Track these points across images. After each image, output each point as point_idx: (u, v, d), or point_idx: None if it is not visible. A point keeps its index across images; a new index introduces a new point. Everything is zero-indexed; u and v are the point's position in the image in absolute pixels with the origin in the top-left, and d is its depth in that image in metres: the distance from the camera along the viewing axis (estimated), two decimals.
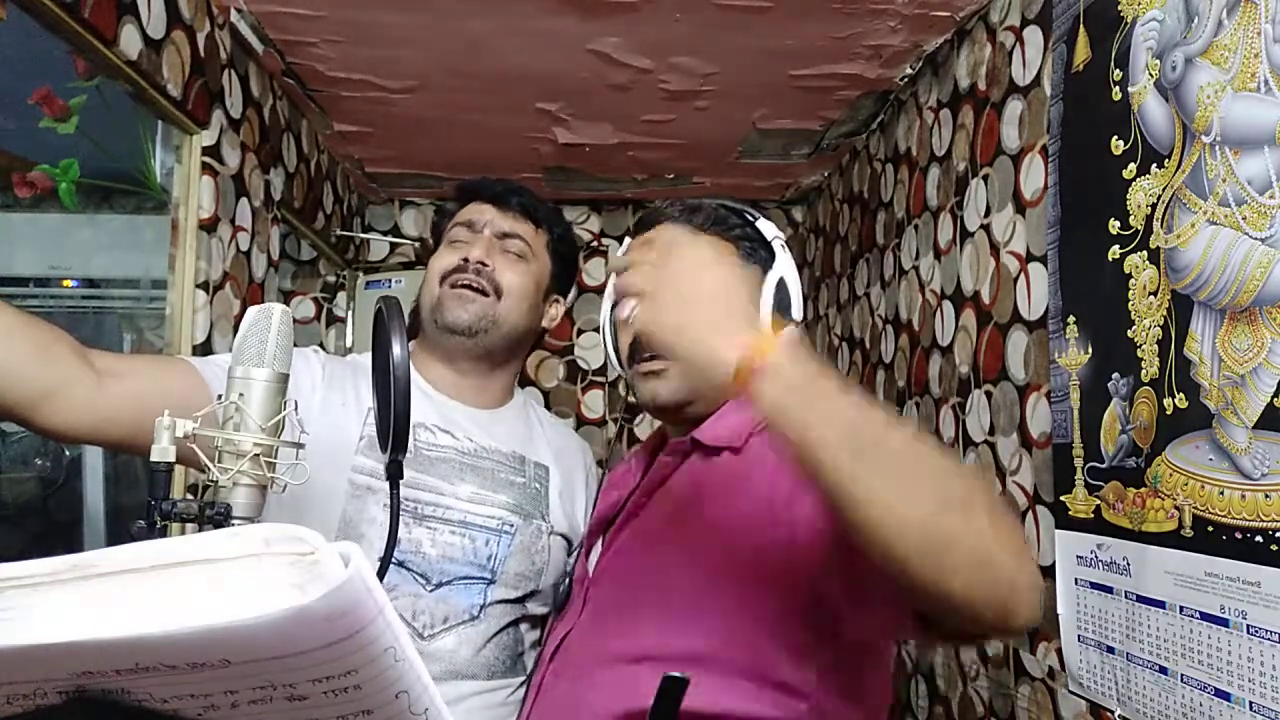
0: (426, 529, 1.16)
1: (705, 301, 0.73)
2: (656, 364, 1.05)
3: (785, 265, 1.06)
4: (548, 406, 2.93)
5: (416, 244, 3.01)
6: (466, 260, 1.23)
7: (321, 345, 2.79)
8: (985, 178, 1.64)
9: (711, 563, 0.97)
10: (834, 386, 0.69)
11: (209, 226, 1.66)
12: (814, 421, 0.68)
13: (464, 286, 1.22)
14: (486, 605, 1.17)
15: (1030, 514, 1.44)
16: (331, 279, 2.84)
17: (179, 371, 1.06)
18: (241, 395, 0.73)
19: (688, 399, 1.05)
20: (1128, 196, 1.19)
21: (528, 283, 1.27)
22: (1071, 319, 1.31)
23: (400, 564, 1.13)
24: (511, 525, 1.20)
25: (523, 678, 1.21)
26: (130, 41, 1.39)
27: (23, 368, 0.89)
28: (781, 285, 1.05)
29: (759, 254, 1.07)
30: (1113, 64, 1.24)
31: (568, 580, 1.20)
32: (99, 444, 1.10)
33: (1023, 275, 1.49)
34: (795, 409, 0.69)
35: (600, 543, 1.13)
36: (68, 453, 2.10)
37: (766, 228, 1.08)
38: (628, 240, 1.15)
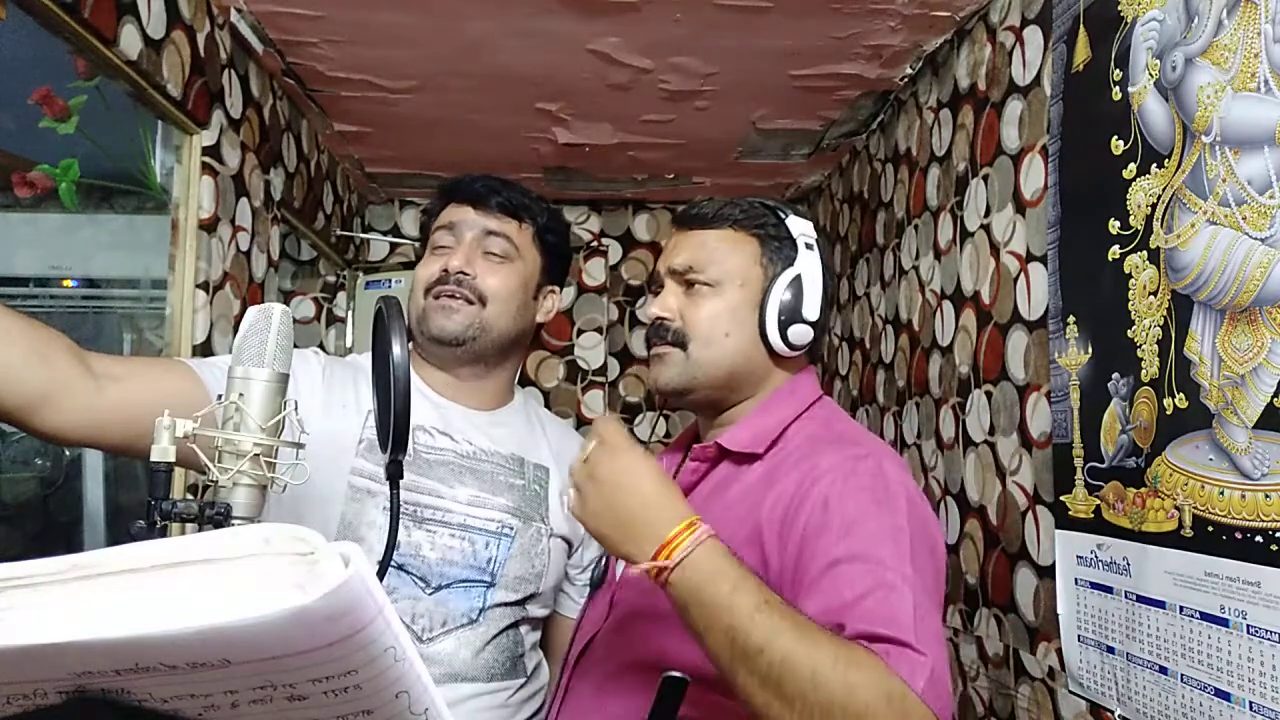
0: (426, 532, 1.15)
1: (622, 516, 0.87)
2: (661, 349, 1.09)
3: (806, 264, 1.08)
4: (548, 406, 2.93)
5: (416, 244, 3.01)
6: (447, 271, 1.21)
7: (321, 345, 2.79)
8: (985, 178, 1.64)
9: None
10: (724, 595, 0.81)
11: (209, 226, 1.66)
12: (703, 627, 0.82)
13: (448, 297, 1.20)
14: (486, 608, 1.17)
15: (1030, 514, 1.44)
16: (331, 279, 2.84)
17: (177, 374, 1.06)
18: (241, 395, 0.73)
19: (687, 387, 1.08)
20: (1128, 196, 1.19)
21: (513, 285, 1.24)
22: (1071, 319, 1.31)
23: (399, 567, 1.13)
24: (511, 528, 1.20)
25: (522, 679, 1.21)
26: (130, 41, 1.39)
27: (21, 371, 0.89)
28: (796, 282, 1.06)
29: (784, 251, 1.09)
30: (1113, 64, 1.24)
31: (603, 561, 1.21)
32: (97, 447, 1.10)
33: (1023, 275, 1.49)
34: (690, 613, 0.83)
35: None
36: (68, 453, 2.10)
37: (795, 225, 1.10)
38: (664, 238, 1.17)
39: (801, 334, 1.07)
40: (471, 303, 1.21)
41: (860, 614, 0.84)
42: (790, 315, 1.06)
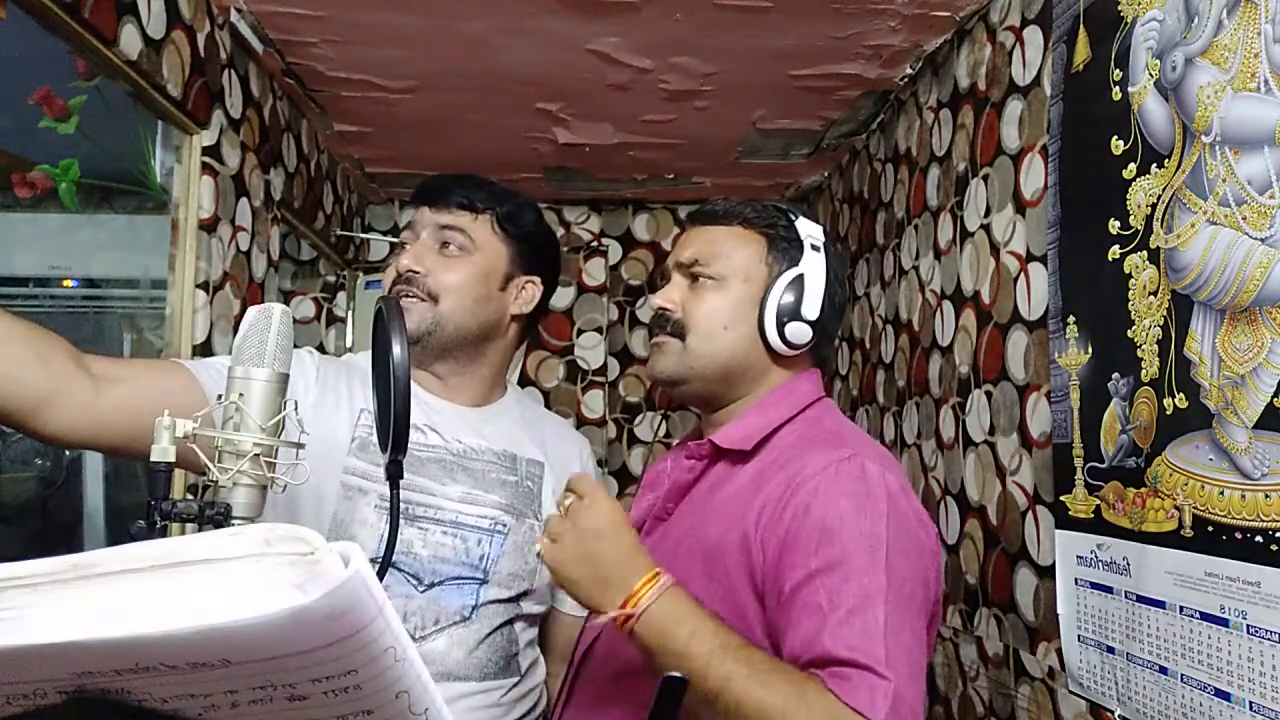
0: (418, 529, 1.15)
1: (598, 568, 0.91)
2: (661, 338, 1.11)
3: (810, 265, 1.09)
4: (548, 406, 2.93)
5: None
6: (399, 271, 1.21)
7: (321, 345, 2.80)
8: (985, 178, 1.64)
9: (721, 578, 0.98)
10: (681, 642, 0.87)
11: (209, 226, 1.66)
12: (669, 666, 0.85)
13: (403, 297, 1.19)
14: (479, 605, 1.17)
15: (1030, 514, 1.44)
16: (331, 279, 2.84)
17: (176, 376, 1.06)
18: (241, 395, 0.73)
19: (682, 377, 1.10)
20: (1128, 196, 1.19)
21: (468, 279, 1.22)
22: (1071, 319, 1.31)
23: (392, 565, 1.13)
24: (504, 525, 1.20)
25: (516, 678, 1.21)
26: (130, 41, 1.39)
27: (20, 373, 0.89)
28: (799, 282, 1.07)
29: (790, 251, 1.10)
30: (1113, 64, 1.24)
31: None
32: (96, 449, 1.10)
33: (1023, 275, 1.49)
34: (653, 660, 0.88)
35: None
36: (68, 453, 2.10)
37: (804, 227, 1.11)
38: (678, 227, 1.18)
39: (799, 333, 1.07)
40: (424, 300, 1.20)
41: (826, 638, 0.87)
42: (790, 314, 1.06)
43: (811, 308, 1.07)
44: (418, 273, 1.20)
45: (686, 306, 1.09)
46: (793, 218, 1.11)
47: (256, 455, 0.71)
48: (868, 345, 2.36)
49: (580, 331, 3.06)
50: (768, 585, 0.95)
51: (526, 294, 1.29)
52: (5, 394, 0.88)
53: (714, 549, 0.99)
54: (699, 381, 1.10)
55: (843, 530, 0.92)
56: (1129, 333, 1.18)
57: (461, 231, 1.23)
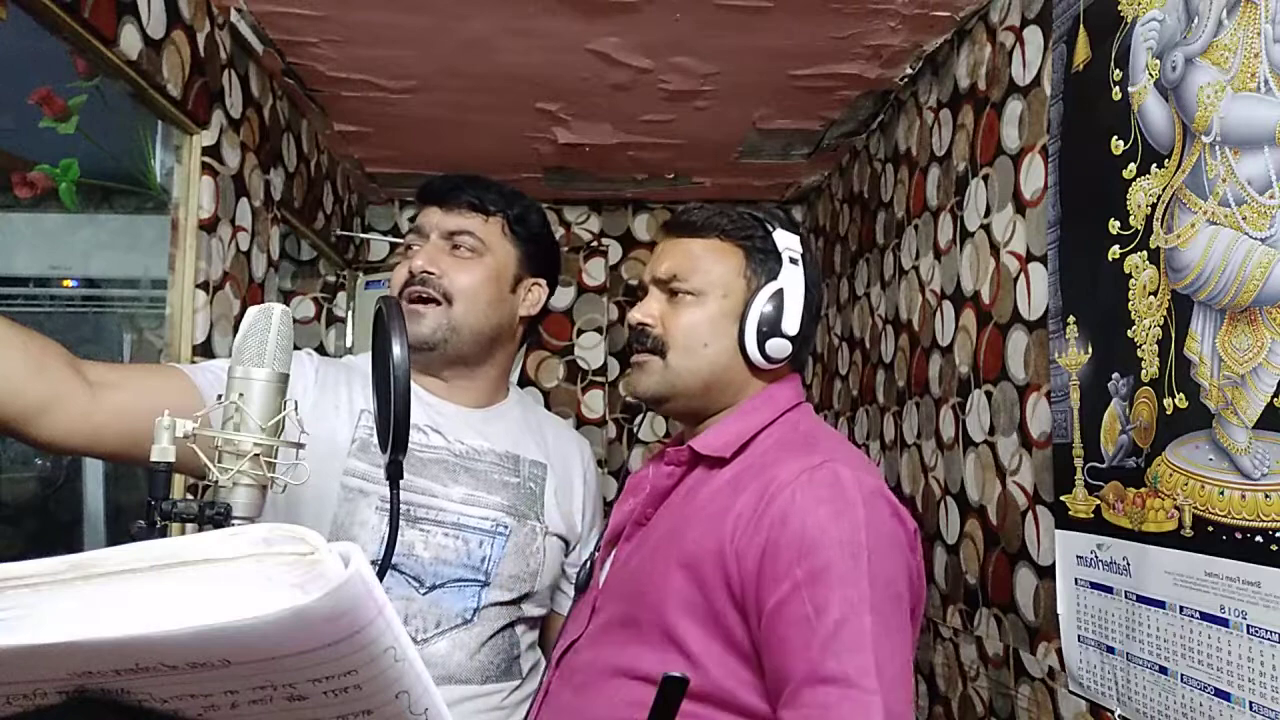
0: (419, 531, 1.15)
1: None
2: (641, 357, 1.11)
3: (789, 278, 1.08)
4: (548, 406, 2.93)
5: None
6: (412, 273, 1.21)
7: (321, 345, 2.80)
8: (985, 178, 1.64)
9: (699, 587, 0.99)
10: None
11: (209, 226, 1.66)
12: None
13: (415, 301, 1.20)
14: (480, 608, 1.17)
15: (1030, 514, 1.44)
16: (331, 279, 2.84)
17: (173, 380, 1.06)
18: (241, 395, 0.73)
19: (665, 395, 1.10)
20: (1128, 196, 1.19)
21: (481, 280, 1.23)
22: (1071, 319, 1.31)
23: (393, 566, 1.13)
24: (505, 526, 1.20)
25: (518, 681, 1.21)
26: (130, 41, 1.39)
27: (17, 381, 0.88)
28: (778, 296, 1.07)
29: (768, 264, 1.09)
30: (1113, 64, 1.24)
31: (588, 566, 1.22)
32: (94, 455, 1.10)
33: (1023, 275, 1.49)
34: None
35: (614, 553, 1.15)
36: None
37: (782, 239, 1.10)
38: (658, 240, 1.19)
39: (779, 348, 1.08)
40: (439, 303, 1.20)
41: (815, 652, 0.88)
42: (770, 329, 1.07)
43: (791, 322, 1.07)
44: (432, 274, 1.20)
45: (666, 322, 1.09)
46: (770, 228, 1.11)
47: (256, 455, 0.71)
48: (868, 345, 2.36)
49: (580, 331, 3.06)
50: (748, 597, 0.94)
51: (533, 296, 1.30)
52: (4, 402, 0.88)
53: (692, 557, 1.00)
54: (681, 399, 1.10)
55: (823, 539, 0.92)
56: (1129, 333, 1.18)
57: (472, 234, 1.23)
